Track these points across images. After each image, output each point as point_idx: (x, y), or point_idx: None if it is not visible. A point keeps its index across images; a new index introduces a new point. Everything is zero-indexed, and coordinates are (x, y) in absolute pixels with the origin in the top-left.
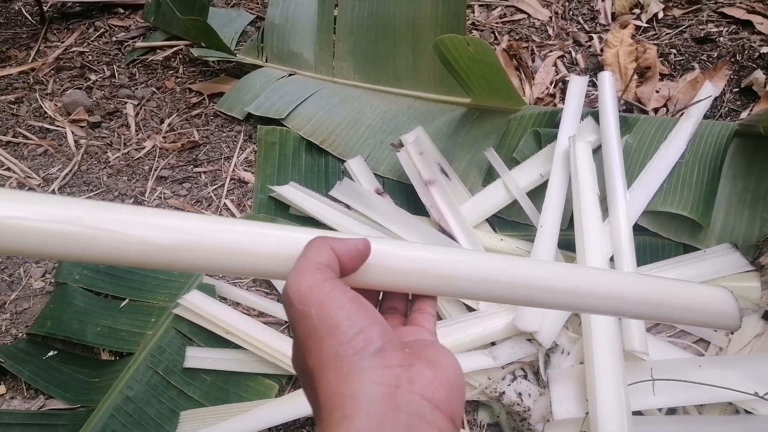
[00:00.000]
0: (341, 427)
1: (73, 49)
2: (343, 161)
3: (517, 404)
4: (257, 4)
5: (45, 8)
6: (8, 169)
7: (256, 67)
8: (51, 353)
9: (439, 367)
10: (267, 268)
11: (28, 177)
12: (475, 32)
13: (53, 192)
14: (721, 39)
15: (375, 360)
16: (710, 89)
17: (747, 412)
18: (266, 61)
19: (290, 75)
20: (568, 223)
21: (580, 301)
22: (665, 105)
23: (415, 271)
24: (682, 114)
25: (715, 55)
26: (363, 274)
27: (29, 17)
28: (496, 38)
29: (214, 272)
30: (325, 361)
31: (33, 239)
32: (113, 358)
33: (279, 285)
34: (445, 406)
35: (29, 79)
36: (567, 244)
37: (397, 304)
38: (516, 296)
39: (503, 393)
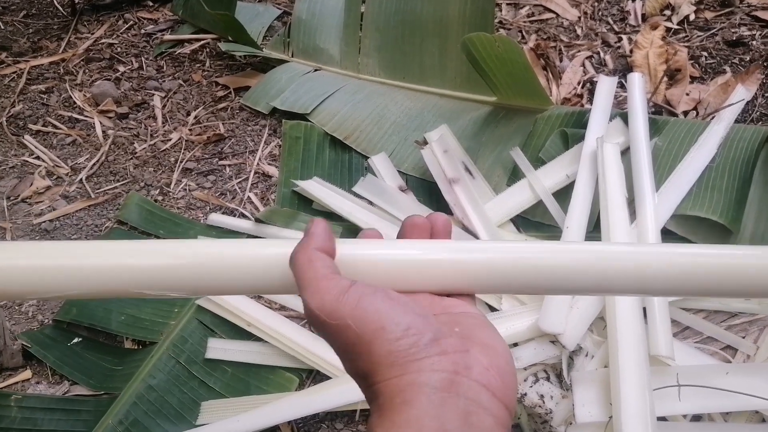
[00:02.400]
0: (402, 412)
1: (103, 40)
2: (366, 157)
3: (539, 406)
4: None
5: (76, 0)
6: (38, 157)
7: (282, 61)
8: (76, 340)
9: (493, 352)
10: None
11: (57, 166)
12: (502, 31)
13: (81, 181)
14: (754, 42)
15: (431, 349)
16: (742, 93)
17: None
18: (292, 56)
19: (316, 70)
20: (594, 225)
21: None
22: (695, 108)
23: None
24: (713, 117)
25: (747, 58)
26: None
27: (61, 8)
28: (523, 37)
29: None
30: (378, 360)
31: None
32: (136, 347)
33: None
34: (501, 394)
35: (60, 70)
36: None
37: None
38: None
39: (525, 394)
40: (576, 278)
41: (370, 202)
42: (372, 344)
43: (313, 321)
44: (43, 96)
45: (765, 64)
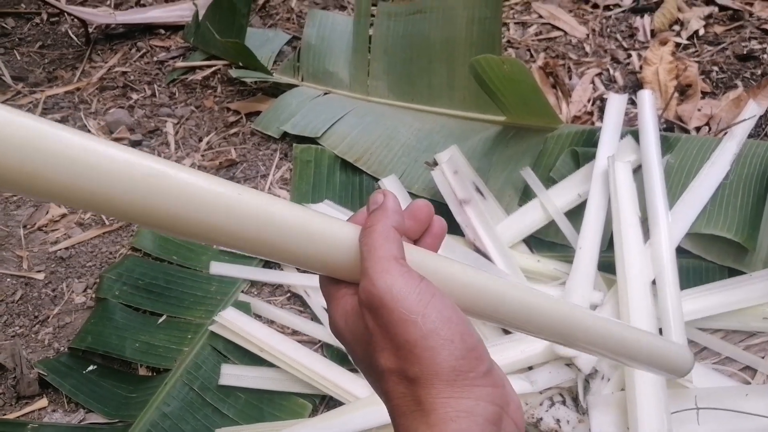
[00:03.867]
0: None
1: (116, 69)
2: (377, 179)
3: (555, 431)
4: (294, 23)
5: (90, 30)
6: None
7: (292, 86)
8: (91, 367)
9: (513, 389)
10: (329, 259)
11: None
12: (510, 50)
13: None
14: (765, 56)
15: (487, 379)
16: (754, 108)
17: None
18: (302, 81)
19: (326, 94)
20: (608, 245)
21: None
22: (707, 124)
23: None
24: (725, 133)
25: (759, 72)
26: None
27: (75, 38)
28: (531, 56)
29: (264, 254)
30: (438, 372)
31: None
32: (151, 374)
33: (311, 301)
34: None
35: (74, 99)
36: (607, 266)
37: None
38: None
39: (541, 419)
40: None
41: None
42: (437, 352)
43: (374, 302)
44: None
45: None
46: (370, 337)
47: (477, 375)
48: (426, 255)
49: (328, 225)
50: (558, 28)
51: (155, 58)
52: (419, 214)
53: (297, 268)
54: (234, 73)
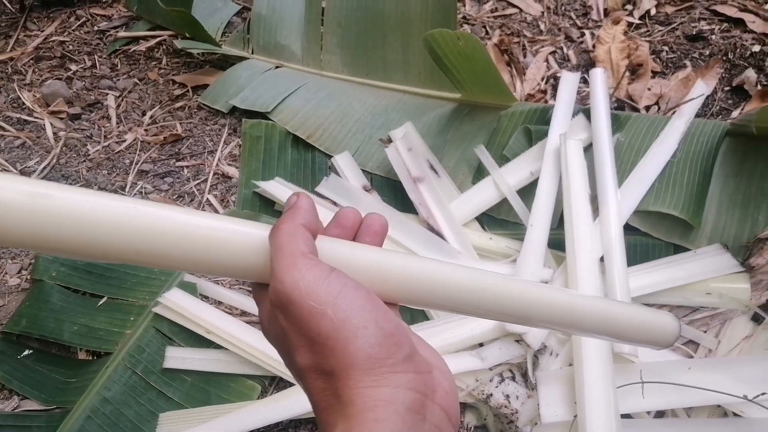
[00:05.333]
0: (375, 430)
1: (54, 38)
2: (330, 156)
3: (505, 406)
4: None
5: None
6: None
7: (241, 59)
8: (26, 352)
9: (447, 375)
10: (239, 267)
11: (5, 170)
12: (466, 26)
13: None
14: (713, 37)
15: (407, 365)
16: (702, 88)
17: (735, 414)
18: (252, 53)
19: (277, 67)
20: (558, 222)
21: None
22: (657, 103)
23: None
24: (674, 112)
25: (707, 53)
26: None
27: (8, 5)
28: (487, 33)
29: (175, 268)
30: (353, 362)
31: None
32: (91, 358)
33: None
34: (455, 419)
35: (7, 69)
36: (557, 243)
37: None
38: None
39: (491, 395)
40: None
41: (334, 203)
42: (351, 342)
43: (282, 299)
44: None
45: (724, 58)
46: (285, 337)
47: (395, 361)
48: (344, 246)
49: (237, 229)
50: (513, 5)
51: (96, 28)
52: (344, 221)
53: None
54: (180, 44)
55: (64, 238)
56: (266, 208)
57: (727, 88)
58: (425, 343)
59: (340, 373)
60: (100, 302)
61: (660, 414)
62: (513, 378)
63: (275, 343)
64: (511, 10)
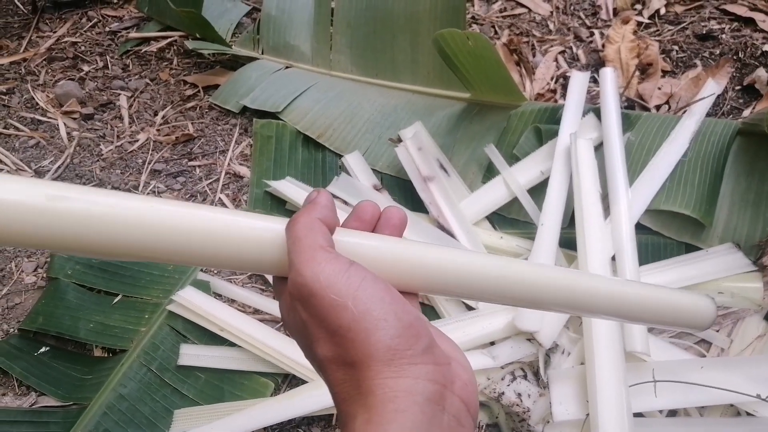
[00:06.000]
0: (394, 422)
1: (66, 39)
2: (340, 156)
3: (517, 405)
4: None
5: None
6: (0, 161)
7: (251, 59)
8: (43, 349)
9: (466, 368)
10: (257, 260)
11: (20, 169)
12: (474, 26)
13: None
14: (724, 36)
15: (426, 356)
16: (713, 87)
17: (748, 414)
18: (262, 54)
19: (287, 68)
20: (569, 221)
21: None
22: (667, 102)
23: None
24: (685, 111)
25: (717, 52)
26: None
27: (21, 6)
28: (496, 32)
29: (193, 263)
30: (373, 354)
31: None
32: (106, 355)
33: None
34: (474, 411)
35: (21, 70)
36: (568, 242)
37: None
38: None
39: (502, 393)
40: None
41: (345, 202)
42: (371, 334)
43: (303, 291)
44: (3, 97)
45: (734, 57)
46: (306, 329)
47: (415, 353)
48: (361, 237)
49: (254, 223)
50: (522, 5)
51: (107, 29)
52: (363, 215)
53: None
54: (191, 44)
55: (84, 239)
56: (278, 207)
57: (737, 88)
58: (444, 336)
59: (360, 365)
60: (115, 300)
61: (672, 413)
62: (525, 376)
63: (295, 335)
64: (520, 10)
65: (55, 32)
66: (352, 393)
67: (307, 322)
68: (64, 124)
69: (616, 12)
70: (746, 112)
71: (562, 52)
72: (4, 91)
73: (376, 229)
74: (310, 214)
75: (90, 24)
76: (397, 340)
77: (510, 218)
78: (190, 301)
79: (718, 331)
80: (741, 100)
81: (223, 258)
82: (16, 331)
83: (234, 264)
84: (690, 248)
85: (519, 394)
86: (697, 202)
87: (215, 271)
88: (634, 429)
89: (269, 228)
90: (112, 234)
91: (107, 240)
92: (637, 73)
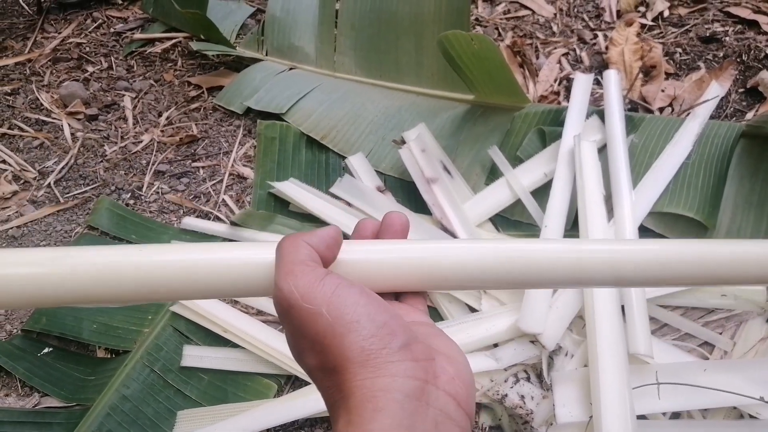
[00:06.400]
0: (374, 421)
1: (71, 40)
2: (344, 157)
3: (520, 407)
4: None
5: None
6: (4, 161)
7: (256, 60)
8: (46, 350)
9: (456, 362)
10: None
11: (24, 170)
12: (478, 28)
13: (49, 185)
14: (727, 39)
15: (403, 353)
16: (716, 89)
17: (751, 416)
18: (266, 55)
19: (291, 69)
20: (572, 224)
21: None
22: (671, 104)
23: (388, 263)
24: (688, 114)
25: (721, 54)
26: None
27: (26, 7)
28: (499, 34)
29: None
30: (349, 356)
31: None
32: (109, 356)
33: None
34: (465, 404)
35: (26, 70)
36: None
37: None
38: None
39: (506, 395)
40: (555, 273)
41: (348, 203)
42: (345, 337)
43: (283, 305)
44: (8, 98)
45: (738, 60)
46: (293, 341)
47: (391, 351)
48: (355, 245)
49: (250, 253)
50: (526, 7)
51: (112, 30)
52: (364, 231)
53: None
54: (195, 45)
55: (90, 290)
56: (281, 208)
57: (741, 90)
58: (439, 333)
59: (340, 368)
60: None
61: (675, 415)
62: (528, 379)
63: (290, 349)
64: (523, 12)
65: (60, 33)
66: (337, 398)
67: (292, 334)
68: (69, 125)
69: (619, 14)
70: (749, 115)
71: (566, 54)
72: (9, 91)
73: (379, 237)
74: (298, 236)
75: (95, 25)
76: (371, 339)
77: (513, 220)
78: (193, 302)
79: (721, 333)
80: (744, 103)
81: (218, 291)
82: (19, 331)
83: (231, 294)
84: None
85: (522, 397)
86: (701, 204)
87: None
88: (638, 431)
89: (262, 255)
90: (115, 283)
91: (112, 288)
92: (641, 75)
